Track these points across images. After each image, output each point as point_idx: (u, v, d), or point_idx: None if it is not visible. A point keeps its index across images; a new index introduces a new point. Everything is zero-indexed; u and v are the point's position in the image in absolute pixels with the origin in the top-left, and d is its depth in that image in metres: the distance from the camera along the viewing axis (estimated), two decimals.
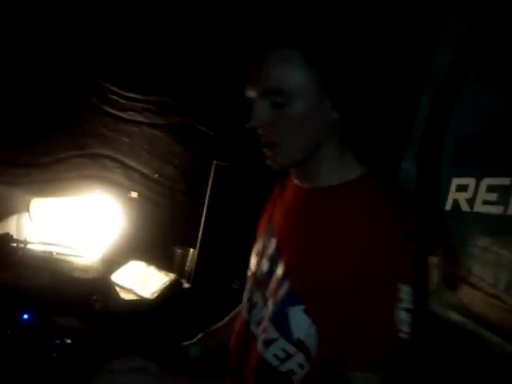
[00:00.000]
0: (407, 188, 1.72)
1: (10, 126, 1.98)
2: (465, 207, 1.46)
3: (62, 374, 1.07)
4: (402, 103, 1.75)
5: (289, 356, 0.85)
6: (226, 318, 1.25)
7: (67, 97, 2.07)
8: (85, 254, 1.76)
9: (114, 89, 2.13)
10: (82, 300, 1.41)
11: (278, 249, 0.96)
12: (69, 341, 1.17)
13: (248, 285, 1.07)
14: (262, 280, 0.99)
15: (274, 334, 0.88)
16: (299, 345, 0.84)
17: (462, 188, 1.48)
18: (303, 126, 0.85)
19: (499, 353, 1.25)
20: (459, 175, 1.51)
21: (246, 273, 1.10)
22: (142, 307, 1.73)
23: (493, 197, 1.36)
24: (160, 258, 2.06)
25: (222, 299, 1.94)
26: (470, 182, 1.45)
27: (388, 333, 0.75)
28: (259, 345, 0.91)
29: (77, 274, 1.51)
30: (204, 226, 1.99)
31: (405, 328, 0.75)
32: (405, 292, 0.75)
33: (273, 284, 0.93)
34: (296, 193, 0.98)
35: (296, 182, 0.99)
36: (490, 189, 1.37)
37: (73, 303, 1.36)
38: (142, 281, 1.88)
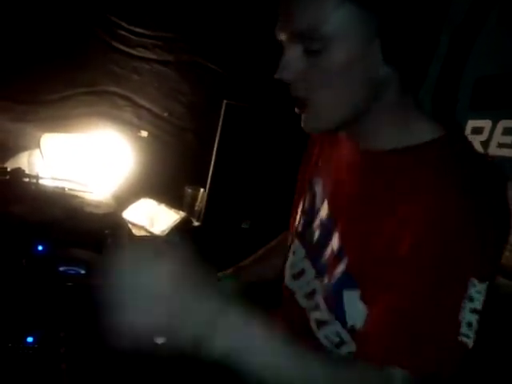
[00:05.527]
0: None
1: (17, 62, 1.94)
2: (479, 150, 1.44)
3: (77, 302, 1.10)
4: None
5: (342, 342, 0.78)
6: (258, 254, 1.19)
7: (76, 32, 2.01)
8: (96, 191, 1.78)
9: (123, 24, 2.07)
10: (94, 234, 1.43)
11: (332, 214, 0.85)
12: (83, 271, 1.20)
13: (291, 244, 0.97)
14: (314, 248, 0.89)
15: (327, 315, 0.80)
16: (353, 332, 0.75)
17: (477, 131, 1.46)
18: (342, 81, 0.68)
19: None
20: (475, 117, 1.48)
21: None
22: None
23: (509, 139, 1.34)
24: (170, 197, 2.08)
25: (231, 238, 1.98)
26: (486, 124, 1.42)
27: (448, 334, 0.61)
28: (311, 323, 0.85)
29: (89, 209, 1.53)
30: (214, 165, 1.99)
31: (469, 333, 0.61)
32: (477, 290, 0.61)
33: (328, 257, 0.83)
34: (351, 152, 0.83)
35: (348, 138, 0.84)
36: (507, 131, 1.35)
37: (85, 237, 1.38)
38: (153, 218, 1.91)
